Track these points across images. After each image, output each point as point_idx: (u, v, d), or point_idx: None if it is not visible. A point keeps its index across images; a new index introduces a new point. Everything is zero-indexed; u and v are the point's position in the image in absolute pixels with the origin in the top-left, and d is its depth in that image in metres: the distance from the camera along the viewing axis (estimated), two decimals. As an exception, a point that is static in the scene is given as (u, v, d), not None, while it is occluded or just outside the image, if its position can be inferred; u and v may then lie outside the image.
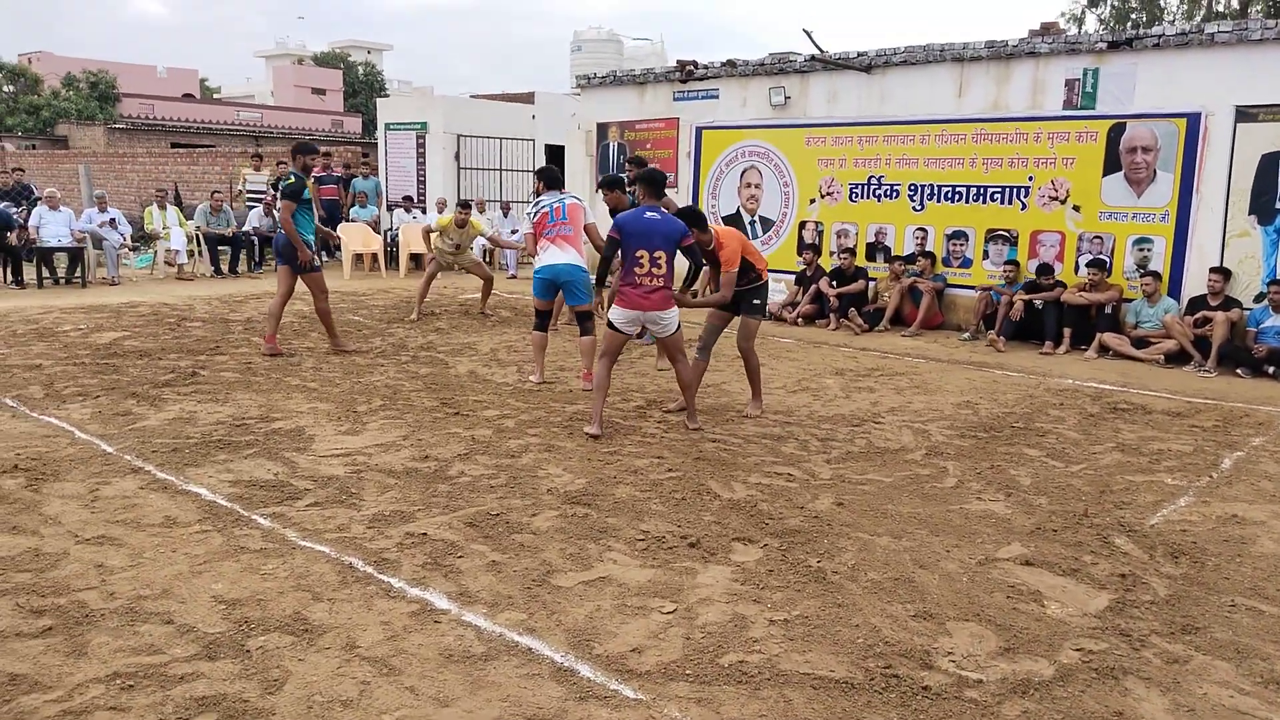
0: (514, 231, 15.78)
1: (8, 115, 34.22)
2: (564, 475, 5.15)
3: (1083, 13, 32.15)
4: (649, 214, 5.96)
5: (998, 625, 3.51)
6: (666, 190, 7.02)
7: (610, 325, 6.08)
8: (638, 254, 5.87)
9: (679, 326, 6.12)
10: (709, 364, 6.74)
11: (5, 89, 36.09)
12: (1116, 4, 31.89)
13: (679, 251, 6.04)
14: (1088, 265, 9.58)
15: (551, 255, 7.31)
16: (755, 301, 6.54)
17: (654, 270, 5.87)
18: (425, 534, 4.25)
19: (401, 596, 3.64)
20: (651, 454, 5.59)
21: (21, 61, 39.61)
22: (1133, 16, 30.25)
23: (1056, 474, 5.45)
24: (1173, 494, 5.16)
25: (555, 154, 17.59)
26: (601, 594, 3.69)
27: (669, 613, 3.53)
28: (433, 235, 10.86)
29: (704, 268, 6.54)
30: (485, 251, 15.93)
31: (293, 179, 8.28)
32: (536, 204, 7.52)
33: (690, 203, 13.09)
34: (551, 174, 7.70)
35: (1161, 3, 32.28)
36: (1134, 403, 7.35)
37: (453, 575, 3.83)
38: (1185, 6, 31.51)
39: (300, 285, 8.46)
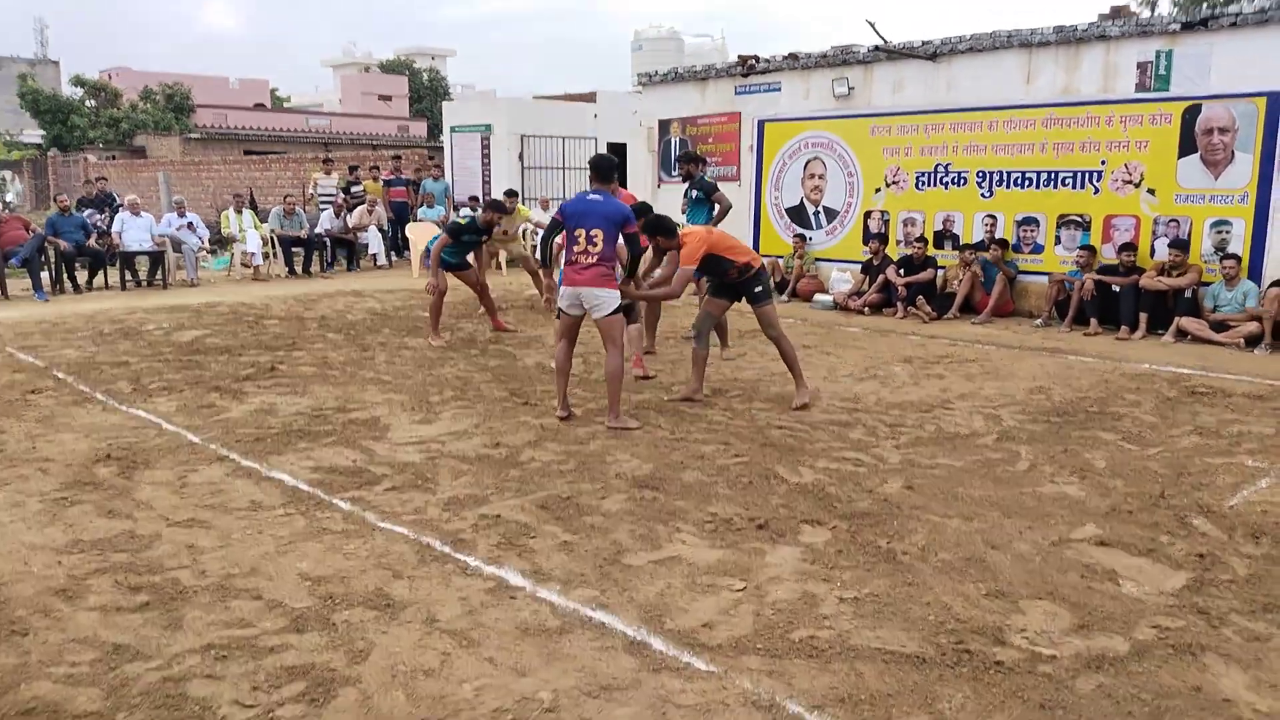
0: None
1: (90, 129, 35.47)
2: (631, 461, 5.22)
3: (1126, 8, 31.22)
4: (591, 196, 6.02)
5: (1071, 603, 3.48)
6: (718, 186, 7.01)
7: (559, 308, 6.13)
8: (575, 233, 5.90)
9: (616, 310, 5.94)
10: (708, 352, 6.79)
11: (88, 104, 37.41)
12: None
13: (620, 237, 5.98)
14: (1170, 246, 9.34)
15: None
16: (757, 289, 6.48)
17: (589, 248, 5.85)
18: (499, 516, 4.35)
19: (478, 574, 3.74)
20: (718, 440, 5.63)
21: (102, 77, 41.03)
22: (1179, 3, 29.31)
23: (1132, 457, 5.36)
24: (1253, 476, 5.03)
25: (617, 152, 17.70)
26: (672, 573, 3.74)
27: (739, 590, 3.57)
28: None
29: (644, 253, 6.49)
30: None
31: (465, 222, 9.11)
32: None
33: (754, 195, 13.09)
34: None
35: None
36: (1213, 386, 7.17)
37: (526, 554, 3.92)
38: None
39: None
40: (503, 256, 14.13)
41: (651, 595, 3.53)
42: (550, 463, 5.19)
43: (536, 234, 13.51)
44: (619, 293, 6.04)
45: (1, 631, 3.26)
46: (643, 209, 6.98)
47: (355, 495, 4.67)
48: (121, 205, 13.93)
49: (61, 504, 4.55)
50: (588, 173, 6.41)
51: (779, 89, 12.78)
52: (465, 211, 15.93)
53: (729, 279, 6.52)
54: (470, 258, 9.48)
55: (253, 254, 14.29)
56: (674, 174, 13.92)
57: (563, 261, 6.17)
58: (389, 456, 5.33)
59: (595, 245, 5.86)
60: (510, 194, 11.07)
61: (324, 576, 3.73)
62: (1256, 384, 7.28)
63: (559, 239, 6.26)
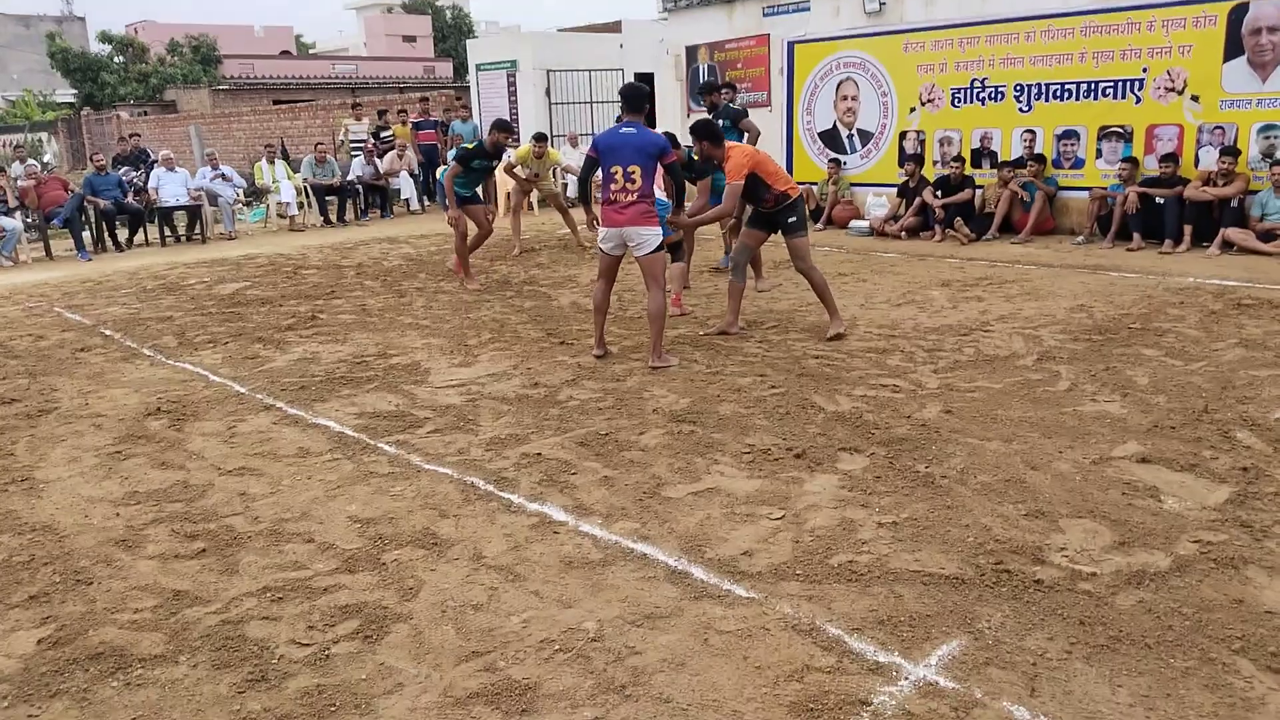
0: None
1: (120, 85, 35.65)
2: (668, 396, 5.25)
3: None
4: (624, 129, 5.76)
5: (1112, 521, 3.48)
6: (748, 113, 6.78)
7: (599, 247, 6.02)
8: (611, 170, 5.69)
9: (658, 248, 5.81)
10: (745, 285, 6.70)
11: (116, 60, 37.53)
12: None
13: (662, 169, 5.83)
14: (1221, 153, 9.06)
15: None
16: (791, 220, 6.29)
17: (627, 185, 5.64)
18: (540, 454, 4.42)
19: (521, 511, 3.82)
20: (754, 372, 5.64)
21: (128, 32, 41.10)
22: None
23: (1175, 372, 5.29)
24: (1302, 387, 4.95)
25: (645, 81, 17.46)
26: (710, 504, 3.79)
27: (777, 519, 3.61)
28: (512, 169, 10.97)
29: (695, 183, 6.28)
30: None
31: (472, 145, 8.82)
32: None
33: (785, 120, 12.87)
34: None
35: None
36: (1259, 298, 7.02)
37: (568, 490, 3.99)
38: None
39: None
40: (534, 196, 14.08)
41: (691, 526, 3.59)
42: (588, 400, 5.24)
43: (567, 177, 13.46)
44: (660, 229, 5.88)
45: (67, 581, 3.40)
46: (700, 127, 6.59)
47: (399, 439, 4.76)
48: (156, 161, 14.05)
49: (116, 458, 4.69)
50: (619, 104, 6.25)
51: (808, 8, 12.48)
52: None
53: (764, 206, 6.39)
54: (480, 191, 9.22)
55: (288, 204, 14.38)
56: (700, 104, 13.74)
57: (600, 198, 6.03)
58: (430, 400, 5.42)
59: (634, 182, 5.66)
60: (539, 138, 10.94)
61: (372, 518, 3.83)
62: (1306, 293, 7.12)
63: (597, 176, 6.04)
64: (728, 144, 6.30)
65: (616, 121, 6.20)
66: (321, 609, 3.13)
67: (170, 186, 13.20)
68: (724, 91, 11.18)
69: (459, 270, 9.16)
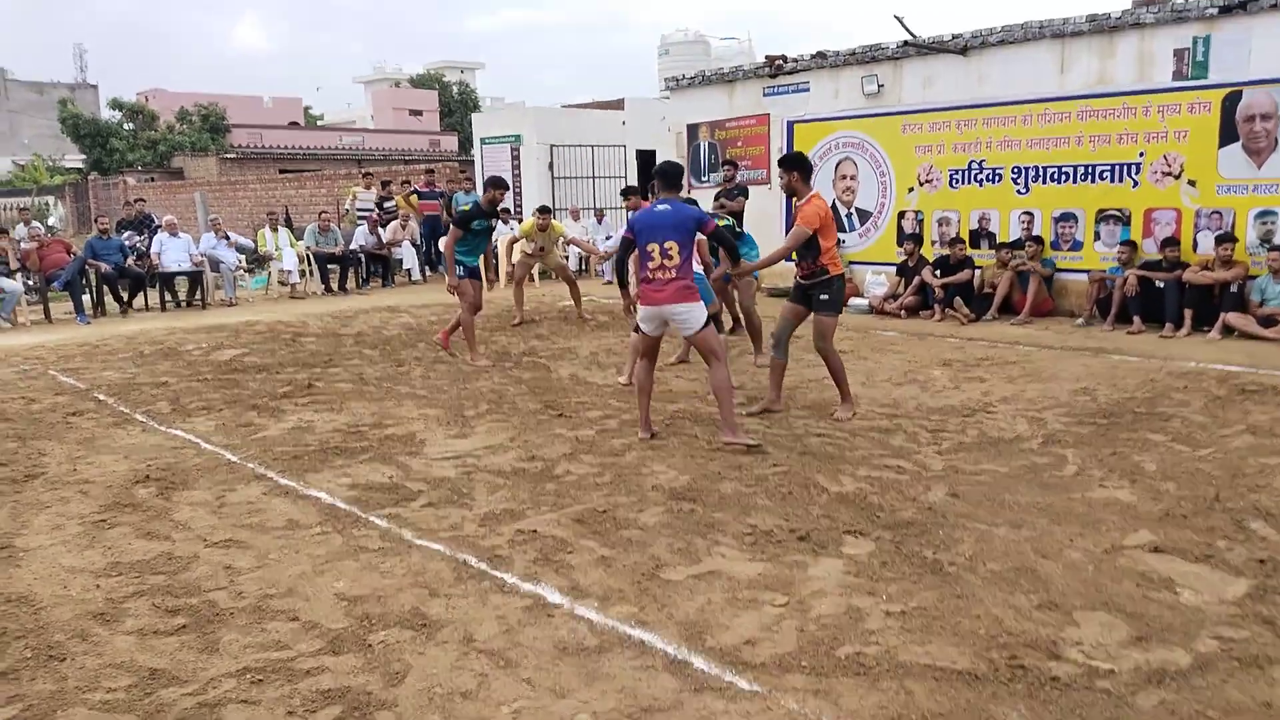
0: (608, 238, 15.91)
1: (129, 151, 36.10)
2: (668, 472, 5.15)
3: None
4: (660, 207, 5.68)
5: (1128, 614, 3.36)
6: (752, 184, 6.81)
7: (636, 328, 5.90)
8: (648, 248, 5.56)
9: (707, 323, 5.66)
10: (787, 362, 6.58)
11: (126, 126, 38.08)
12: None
13: (709, 239, 5.79)
14: (1218, 240, 9.11)
15: None
16: (824, 297, 6.21)
17: (665, 263, 5.52)
18: (535, 531, 4.30)
19: (515, 591, 3.69)
20: (754, 450, 5.54)
21: (139, 99, 41.78)
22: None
23: (1183, 459, 5.20)
24: (1314, 476, 4.86)
25: (647, 159, 17.67)
26: (712, 587, 3.67)
27: (781, 605, 3.49)
28: (517, 244, 11.02)
29: (739, 241, 6.24)
30: (580, 259, 16.12)
31: (469, 207, 8.62)
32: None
33: (784, 198, 12.97)
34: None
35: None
36: (1264, 384, 6.95)
37: (564, 570, 3.86)
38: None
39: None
40: (536, 269, 14.13)
41: (691, 611, 3.46)
42: (586, 475, 5.14)
43: (569, 249, 13.51)
44: (704, 306, 5.72)
45: (39, 657, 3.26)
46: (791, 158, 6.48)
47: (391, 512, 4.65)
48: (160, 226, 14.11)
49: (101, 526, 4.57)
50: (621, 181, 6.34)
51: (808, 89, 12.68)
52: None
53: (802, 272, 6.27)
54: (480, 264, 8.84)
55: (289, 272, 14.41)
56: (704, 180, 13.88)
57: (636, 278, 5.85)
58: (425, 472, 5.31)
59: (671, 259, 5.53)
60: (543, 210, 11.00)
61: (360, 596, 3.70)
62: (1311, 379, 7.06)
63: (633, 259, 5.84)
64: (813, 191, 6.21)
65: (651, 198, 6.05)
66: (303, 693, 2.99)
67: (173, 252, 13.23)
68: (726, 168, 11.34)
69: (445, 343, 8.87)
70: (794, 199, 6.35)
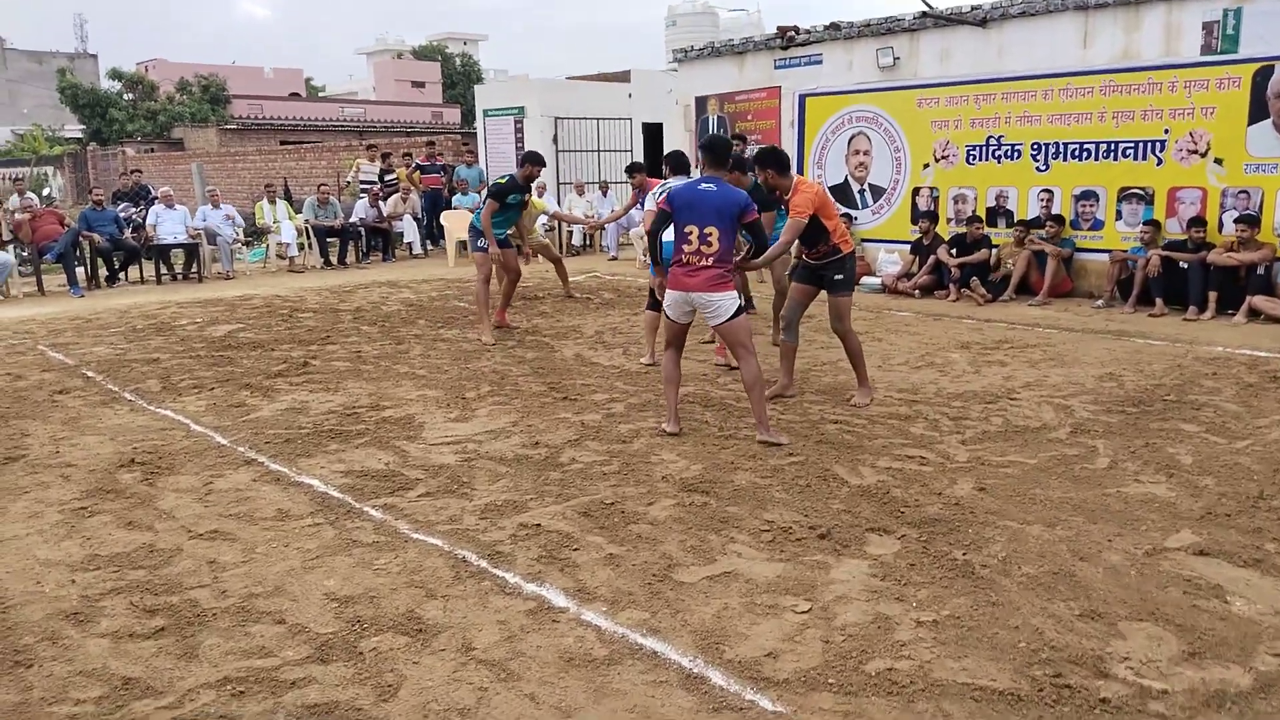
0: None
1: (128, 122, 35.68)
2: (679, 461, 4.90)
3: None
4: (704, 185, 5.24)
5: (1177, 626, 3.11)
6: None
7: (665, 313, 5.47)
8: (686, 229, 5.17)
9: (737, 313, 5.22)
10: (799, 345, 6.34)
11: (125, 97, 37.64)
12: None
13: (742, 229, 5.31)
14: (1236, 221, 8.81)
15: None
16: (838, 277, 5.89)
17: (703, 249, 5.12)
18: (539, 525, 4.06)
19: (517, 593, 3.45)
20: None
21: (139, 70, 41.30)
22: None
23: (1220, 451, 4.94)
24: (1360, 471, 4.61)
25: (653, 132, 17.33)
26: (728, 590, 3.42)
27: (804, 613, 3.24)
28: None
29: (770, 242, 5.80)
30: (584, 236, 15.81)
31: (505, 180, 8.46)
32: (664, 185, 7.07)
33: (796, 173, 12.64)
34: (713, 145, 5.68)
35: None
36: (1297, 370, 6.70)
37: (569, 569, 3.62)
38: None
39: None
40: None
41: (707, 618, 3.22)
42: (592, 464, 4.89)
43: (550, 226, 13.17)
44: (737, 294, 5.30)
45: (4, 663, 3.03)
46: (767, 154, 6.04)
47: (387, 502, 4.40)
48: (156, 198, 13.82)
49: (81, 514, 4.33)
50: (627, 155, 6.12)
51: (820, 61, 12.32)
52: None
53: (812, 256, 5.98)
54: (511, 233, 8.83)
55: (288, 245, 14.13)
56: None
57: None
58: (423, 458, 5.06)
59: (710, 245, 5.12)
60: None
61: (352, 596, 3.46)
62: (1345, 366, 6.79)
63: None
64: (796, 177, 5.90)
65: (698, 174, 5.62)
66: (287, 707, 2.75)
67: (168, 224, 12.95)
68: (735, 144, 11.00)
69: (501, 317, 8.89)
70: (777, 193, 5.94)
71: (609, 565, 3.65)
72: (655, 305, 7.19)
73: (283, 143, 30.91)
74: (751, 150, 11.96)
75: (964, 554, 3.69)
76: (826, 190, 5.95)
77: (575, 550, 3.80)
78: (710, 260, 5.14)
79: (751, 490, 4.43)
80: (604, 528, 4.03)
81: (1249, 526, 3.93)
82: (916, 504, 4.23)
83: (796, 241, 5.89)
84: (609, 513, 4.19)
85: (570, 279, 11.05)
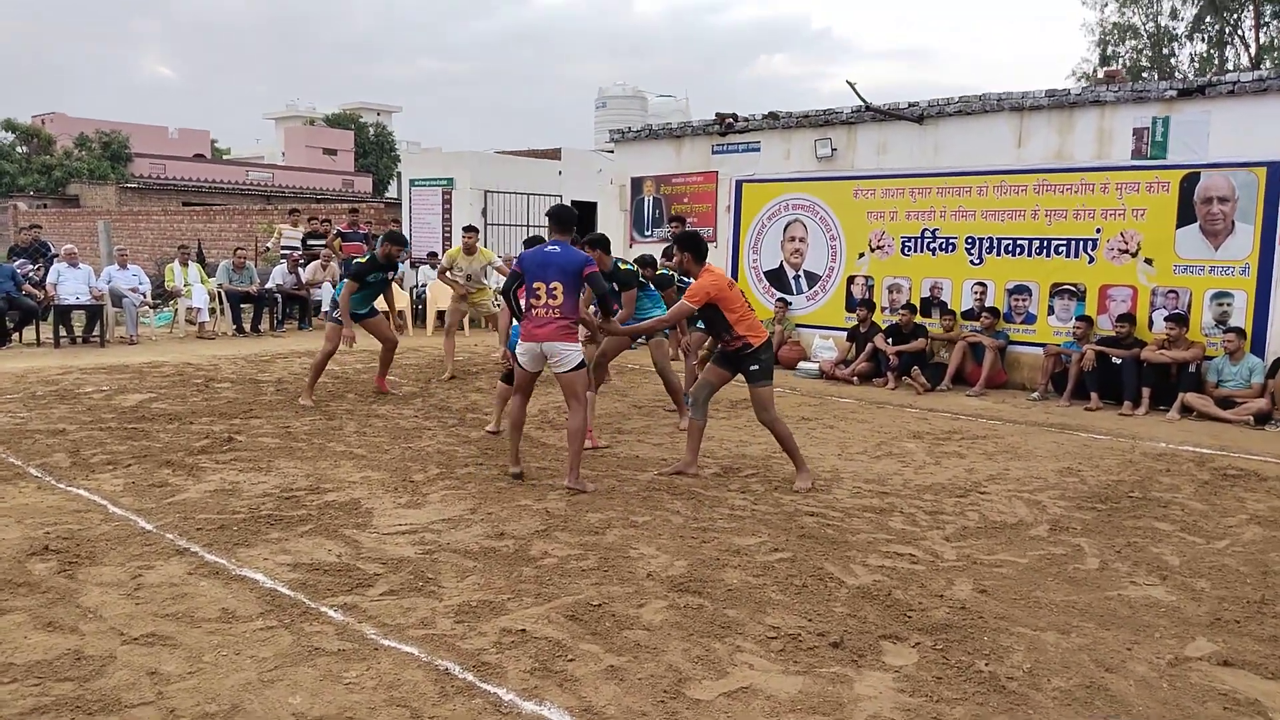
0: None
1: (20, 175, 34.08)
2: (659, 556, 4.59)
3: (1094, 71, 32.36)
4: (550, 248, 5.82)
5: (1231, 748, 2.93)
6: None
7: (518, 364, 5.96)
8: (535, 286, 5.75)
9: (579, 365, 5.78)
10: (706, 424, 6.36)
11: (19, 150, 36.02)
12: (1128, 63, 32.08)
13: (586, 284, 5.84)
14: (1166, 320, 9.08)
15: None
16: (753, 368, 5.97)
17: (549, 302, 5.71)
18: (524, 630, 3.68)
19: (515, 713, 3.07)
20: (748, 530, 5.04)
21: (35, 123, 39.68)
22: (1143, 76, 30.35)
23: (1203, 552, 4.89)
24: (1344, 576, 4.59)
25: (585, 210, 17.25)
26: (750, 709, 3.11)
27: (839, 734, 2.95)
28: (447, 273, 10.43)
29: (616, 292, 6.65)
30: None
31: (365, 259, 8.65)
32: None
33: (730, 257, 12.67)
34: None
35: (1173, 61, 32.48)
36: (1242, 468, 6.80)
37: (569, 685, 3.25)
38: (1198, 65, 31.67)
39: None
40: (466, 318, 13.48)
41: (735, 743, 2.90)
42: (567, 558, 4.54)
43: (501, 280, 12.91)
44: (581, 348, 5.87)
45: (-90, 809, 2.51)
46: (600, 240, 7.26)
47: (347, 601, 3.97)
48: (57, 255, 13.01)
49: (-12, 613, 3.77)
50: (548, 223, 6.24)
51: (758, 149, 12.46)
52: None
53: (726, 347, 6.06)
54: (380, 303, 9.06)
55: (199, 310, 13.44)
56: (647, 234, 13.51)
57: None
58: (378, 550, 4.63)
59: (555, 299, 5.71)
60: (470, 230, 10.48)
61: (324, 717, 3.02)
62: (1287, 465, 6.93)
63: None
64: (709, 266, 6.12)
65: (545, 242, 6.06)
66: None
67: (71, 283, 12.19)
68: (673, 224, 11.01)
69: (382, 386, 9.09)
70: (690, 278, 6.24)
71: (612, 679, 3.30)
72: (509, 378, 7.03)
73: (185, 204, 29.90)
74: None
75: (987, 664, 3.47)
76: (734, 285, 6.08)
77: (571, 661, 3.44)
78: (557, 313, 5.71)
79: (746, 591, 4.15)
80: (596, 634, 3.68)
81: (1263, 635, 3.83)
82: (921, 607, 4.01)
83: (708, 332, 6.32)
84: (598, 616, 3.84)
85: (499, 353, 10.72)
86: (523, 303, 5.81)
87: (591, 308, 6.49)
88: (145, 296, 13.44)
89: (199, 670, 3.33)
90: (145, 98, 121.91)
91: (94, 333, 12.44)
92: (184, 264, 13.84)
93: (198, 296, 13.47)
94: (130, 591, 4.04)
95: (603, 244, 7.26)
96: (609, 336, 6.98)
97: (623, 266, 7.51)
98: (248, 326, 13.98)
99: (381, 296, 9.05)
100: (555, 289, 5.70)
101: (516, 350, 5.98)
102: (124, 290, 12.71)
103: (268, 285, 14.34)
